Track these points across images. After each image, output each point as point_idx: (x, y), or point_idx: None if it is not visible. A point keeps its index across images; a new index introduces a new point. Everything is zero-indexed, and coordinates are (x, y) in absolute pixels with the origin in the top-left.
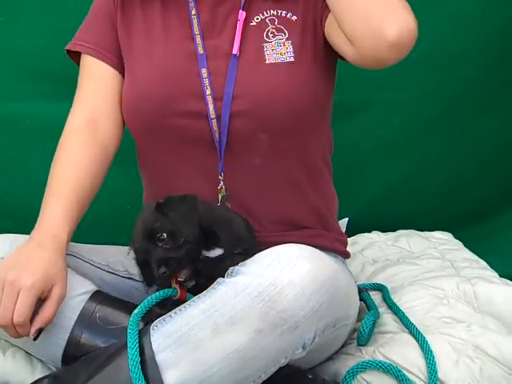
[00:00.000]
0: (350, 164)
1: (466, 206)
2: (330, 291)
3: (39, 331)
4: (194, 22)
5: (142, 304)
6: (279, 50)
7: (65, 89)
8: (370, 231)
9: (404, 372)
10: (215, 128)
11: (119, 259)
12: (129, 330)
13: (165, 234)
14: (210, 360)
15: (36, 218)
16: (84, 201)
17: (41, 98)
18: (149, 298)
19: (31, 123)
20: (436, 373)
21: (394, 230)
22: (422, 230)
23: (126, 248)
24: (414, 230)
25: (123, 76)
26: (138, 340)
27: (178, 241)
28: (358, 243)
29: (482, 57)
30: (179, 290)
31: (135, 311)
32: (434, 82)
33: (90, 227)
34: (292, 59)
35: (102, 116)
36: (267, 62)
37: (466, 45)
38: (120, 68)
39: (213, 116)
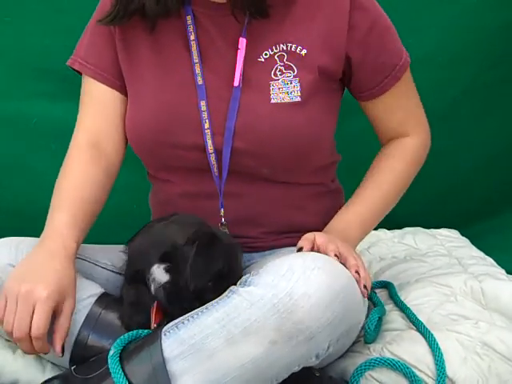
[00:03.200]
0: (356, 163)
1: (473, 203)
2: (345, 301)
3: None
4: (193, 48)
5: (115, 344)
6: (286, 89)
7: (70, 88)
8: (376, 229)
9: (412, 369)
10: (213, 162)
11: (124, 259)
12: (113, 374)
13: None
14: (224, 369)
15: (41, 217)
16: (89, 214)
17: (46, 97)
18: (122, 337)
19: (37, 122)
20: (444, 370)
21: (400, 228)
22: (428, 228)
23: None
24: (420, 228)
25: (125, 95)
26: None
27: None
28: (364, 241)
29: (484, 56)
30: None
31: (111, 353)
32: (437, 82)
33: (96, 226)
34: (298, 99)
35: (104, 138)
36: (272, 101)
37: (467, 44)
38: (121, 89)
39: (211, 151)
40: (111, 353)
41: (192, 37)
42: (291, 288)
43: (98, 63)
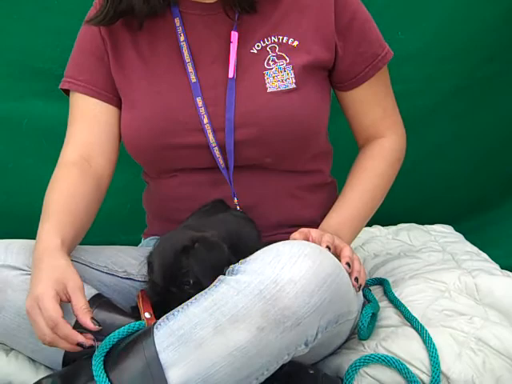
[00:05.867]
0: (350, 158)
1: (467, 198)
2: (332, 288)
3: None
4: (184, 49)
5: (104, 342)
6: (280, 77)
7: None
8: (370, 225)
9: (407, 365)
10: (218, 155)
11: (117, 260)
12: (95, 373)
13: (191, 281)
14: (213, 358)
15: (34, 218)
16: (77, 224)
17: (37, 97)
18: (111, 334)
19: (28, 122)
20: (439, 366)
21: (394, 224)
22: (422, 224)
23: (125, 247)
24: (414, 224)
25: (118, 107)
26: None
27: (197, 287)
28: (359, 237)
29: (480, 50)
30: (146, 321)
31: (96, 352)
32: (432, 76)
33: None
34: (294, 85)
35: (96, 155)
36: (269, 90)
37: (461, 39)
38: (114, 102)
39: (213, 144)
40: (96, 354)
41: (182, 38)
42: (277, 274)
43: (88, 79)
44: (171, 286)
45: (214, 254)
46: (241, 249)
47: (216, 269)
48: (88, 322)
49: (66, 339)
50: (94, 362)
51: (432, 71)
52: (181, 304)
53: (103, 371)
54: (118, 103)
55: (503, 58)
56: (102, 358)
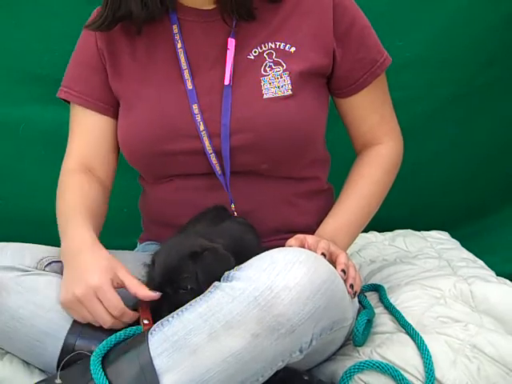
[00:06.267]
0: (347, 165)
1: (464, 205)
2: (327, 295)
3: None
4: (181, 55)
5: (101, 344)
6: (276, 84)
7: None
8: (366, 231)
9: (401, 372)
10: (214, 162)
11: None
12: (93, 373)
13: (189, 287)
14: (208, 364)
15: (31, 222)
16: (95, 226)
17: (35, 102)
18: (109, 338)
19: (25, 127)
20: (433, 372)
21: (390, 230)
22: (419, 230)
23: (121, 252)
24: (410, 230)
25: (114, 118)
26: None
27: (193, 294)
28: (355, 243)
29: (479, 56)
30: (144, 326)
31: (93, 354)
32: (431, 82)
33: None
34: (290, 92)
35: (94, 166)
36: (265, 96)
37: (461, 45)
38: (110, 113)
39: (210, 151)
40: (93, 355)
41: (179, 45)
42: (272, 281)
43: (84, 90)
44: (167, 287)
45: (220, 266)
46: (243, 256)
47: (219, 280)
48: (150, 293)
49: (130, 321)
50: (91, 363)
51: (430, 78)
52: (171, 307)
53: (102, 371)
54: (114, 114)
55: (502, 64)
56: (100, 359)
